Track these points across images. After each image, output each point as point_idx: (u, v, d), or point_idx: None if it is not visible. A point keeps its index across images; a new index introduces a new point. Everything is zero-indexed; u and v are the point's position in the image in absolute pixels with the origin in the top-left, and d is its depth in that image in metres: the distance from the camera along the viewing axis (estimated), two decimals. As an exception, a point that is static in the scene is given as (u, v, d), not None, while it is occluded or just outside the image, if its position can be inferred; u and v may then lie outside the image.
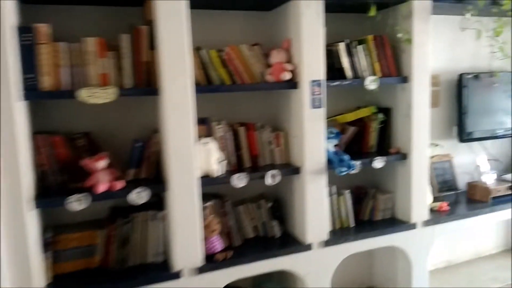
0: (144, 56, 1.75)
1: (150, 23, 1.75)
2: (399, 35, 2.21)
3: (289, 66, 2.03)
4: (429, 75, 2.28)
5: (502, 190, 2.69)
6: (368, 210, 2.41)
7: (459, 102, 2.75)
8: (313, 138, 2.05)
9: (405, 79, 2.26)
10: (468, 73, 2.72)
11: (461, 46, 2.80)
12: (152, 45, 1.75)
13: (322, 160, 2.09)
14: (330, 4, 2.03)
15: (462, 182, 2.84)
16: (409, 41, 2.19)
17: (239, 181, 1.92)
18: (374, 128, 2.36)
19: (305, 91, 2.01)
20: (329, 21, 2.10)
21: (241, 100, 2.23)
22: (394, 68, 2.26)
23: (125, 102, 1.94)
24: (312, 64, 2.01)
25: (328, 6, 2.03)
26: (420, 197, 2.34)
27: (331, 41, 2.16)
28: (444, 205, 2.53)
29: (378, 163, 2.24)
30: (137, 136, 1.92)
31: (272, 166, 2.11)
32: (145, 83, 1.77)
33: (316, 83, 2.02)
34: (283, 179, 2.05)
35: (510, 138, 2.99)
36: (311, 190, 2.08)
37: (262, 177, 1.99)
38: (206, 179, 1.88)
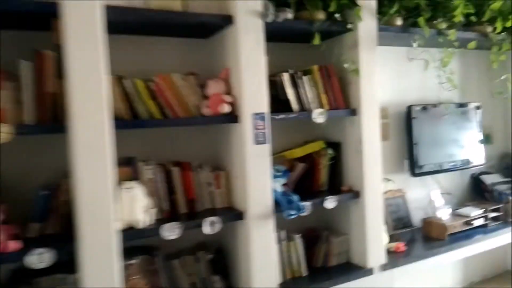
0: (49, 87, 1.46)
1: (58, 48, 1.48)
2: (346, 65, 2.08)
3: (228, 98, 1.81)
4: (378, 107, 2.15)
5: (458, 226, 2.58)
6: (321, 255, 2.17)
7: (409, 134, 2.65)
8: (257, 177, 1.82)
9: (353, 112, 2.11)
10: (417, 105, 2.65)
11: (409, 77, 2.75)
12: (60, 73, 1.46)
13: (268, 202, 1.85)
14: (272, 32, 1.86)
15: (416, 218, 2.71)
16: (356, 71, 2.06)
17: (171, 232, 1.63)
18: (324, 164, 2.17)
19: (247, 125, 1.79)
20: (272, 50, 1.94)
21: (175, 137, 1.97)
22: (342, 100, 2.11)
23: (27, 142, 1.61)
24: (254, 95, 1.80)
25: (270, 35, 1.86)
26: (376, 239, 2.16)
27: (275, 71, 1.99)
28: (401, 246, 2.36)
29: (330, 203, 2.03)
30: (43, 183, 1.58)
31: (212, 211, 1.84)
32: (51, 119, 1.47)
33: (259, 116, 1.81)
34: (224, 225, 1.78)
35: (461, 171, 2.93)
36: (257, 237, 1.82)
37: (200, 225, 1.71)
38: (130, 232, 1.56)
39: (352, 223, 2.20)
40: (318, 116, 1.97)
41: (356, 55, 2.07)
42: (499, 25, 2.51)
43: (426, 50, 2.41)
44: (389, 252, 2.29)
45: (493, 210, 2.72)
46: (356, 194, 2.13)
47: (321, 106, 2.02)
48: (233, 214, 1.82)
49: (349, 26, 2.05)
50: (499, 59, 2.52)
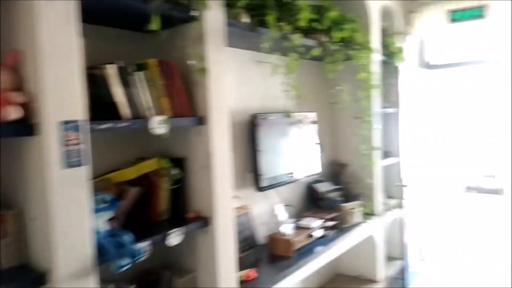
0: None
1: None
2: (191, 62, 1.67)
3: (17, 97, 1.16)
4: (228, 115, 1.81)
5: (302, 240, 2.47)
6: (162, 303, 1.69)
7: (252, 146, 2.42)
8: (69, 217, 1.22)
9: (201, 120, 1.71)
10: (261, 113, 2.43)
11: (253, 83, 2.52)
12: None
13: (88, 251, 1.27)
14: (93, 10, 1.30)
15: (261, 235, 2.50)
16: (203, 71, 1.67)
17: None
18: (165, 187, 1.70)
19: (50, 139, 1.17)
20: (94, 34, 1.37)
21: None
22: (188, 105, 1.69)
23: None
24: (62, 94, 1.20)
25: (90, 14, 1.29)
26: (228, 272, 1.80)
27: (97, 62, 1.42)
28: (252, 273, 2.07)
29: (175, 238, 1.57)
30: None
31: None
32: None
33: (70, 125, 1.22)
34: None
35: (302, 181, 2.88)
36: (70, 307, 1.22)
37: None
38: None
39: (200, 257, 1.79)
40: (158, 125, 1.49)
41: (203, 51, 1.68)
42: (335, 35, 2.51)
43: (271, 55, 2.20)
44: (242, 283, 1.97)
45: (330, 219, 2.74)
46: (205, 222, 1.73)
47: (161, 112, 1.55)
48: (29, 279, 1.17)
49: (194, 13, 1.65)
50: (335, 69, 2.53)
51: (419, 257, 3.92)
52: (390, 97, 3.40)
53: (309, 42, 2.38)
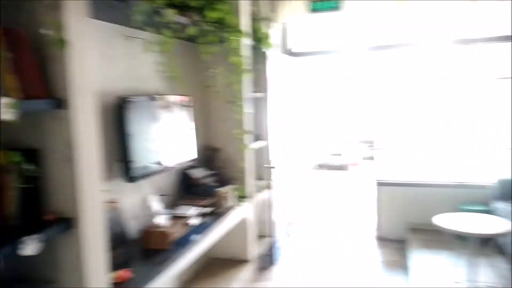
0: None
1: None
2: (45, 31, 1.36)
3: None
4: (93, 97, 1.56)
5: (179, 229, 2.35)
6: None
7: (120, 132, 2.17)
8: None
9: (60, 104, 1.42)
10: (130, 96, 2.19)
11: (121, 62, 2.24)
12: None
13: None
14: None
15: (133, 230, 2.29)
16: (62, 43, 1.38)
17: None
18: (14, 186, 1.37)
19: None
20: None
21: None
22: (43, 85, 1.38)
23: None
24: None
25: None
26: (98, 277, 1.58)
27: None
28: (126, 273, 1.88)
29: (29, 248, 1.29)
30: None
31: None
32: None
33: None
34: None
35: (176, 169, 2.73)
36: None
37: None
38: None
39: (64, 264, 1.52)
40: (5, 110, 1.17)
41: (61, 19, 1.38)
42: (208, 14, 2.41)
43: (143, 31, 1.98)
44: (114, 286, 1.76)
45: (206, 206, 2.68)
46: (68, 224, 1.47)
47: (8, 93, 1.22)
48: None
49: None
50: (209, 51, 2.43)
51: (285, 233, 4.19)
52: (259, 82, 3.48)
53: (183, 19, 2.22)
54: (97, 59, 2.02)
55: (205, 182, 2.89)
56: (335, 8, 3.72)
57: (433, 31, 3.90)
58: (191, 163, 2.84)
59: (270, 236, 3.77)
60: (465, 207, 3.60)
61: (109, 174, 2.17)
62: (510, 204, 3.37)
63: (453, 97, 3.96)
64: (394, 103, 4.26)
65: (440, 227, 2.83)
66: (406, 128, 4.31)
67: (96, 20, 1.92)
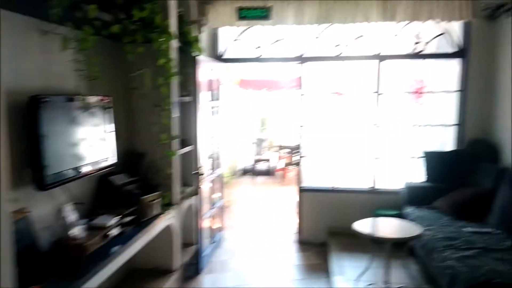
0: None
1: None
2: None
3: None
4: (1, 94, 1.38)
5: (97, 241, 2.18)
6: None
7: (32, 135, 1.96)
8: None
9: (-43, 101, 1.24)
10: (44, 95, 1.99)
11: (35, 58, 2.03)
12: None
13: None
14: None
15: (45, 241, 2.09)
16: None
17: None
18: None
19: None
20: None
21: None
22: None
23: None
24: None
25: None
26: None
27: None
28: (35, 291, 1.69)
29: None
30: None
31: None
32: None
33: None
34: None
35: (95, 175, 2.53)
36: None
37: None
38: None
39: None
40: None
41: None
42: (135, 13, 2.30)
43: (60, 27, 1.82)
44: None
45: (128, 214, 2.53)
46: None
47: None
48: None
49: None
50: (134, 51, 2.31)
51: (211, 240, 4.13)
52: (187, 86, 3.40)
53: (106, 16, 2.08)
54: (7, 54, 1.80)
55: (128, 189, 2.73)
56: (264, 17, 3.78)
57: (357, 45, 4.14)
58: (111, 169, 2.66)
59: (196, 243, 3.68)
60: (380, 212, 3.85)
61: (19, 181, 1.95)
62: (417, 208, 3.69)
63: (371, 108, 4.23)
64: (316, 111, 4.44)
65: (358, 232, 2.99)
66: (327, 137, 4.52)
67: (7, 11, 1.72)
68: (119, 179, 2.77)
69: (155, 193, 2.79)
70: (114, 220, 2.39)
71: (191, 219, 3.62)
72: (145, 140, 3.05)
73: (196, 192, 3.56)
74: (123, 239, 2.36)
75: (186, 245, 3.58)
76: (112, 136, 2.63)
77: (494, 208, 3.28)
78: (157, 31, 2.58)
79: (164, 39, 2.65)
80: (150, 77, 2.52)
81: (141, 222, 2.59)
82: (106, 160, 2.56)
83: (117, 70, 2.85)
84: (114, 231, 2.36)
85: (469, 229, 3.14)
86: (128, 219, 2.52)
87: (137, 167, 2.99)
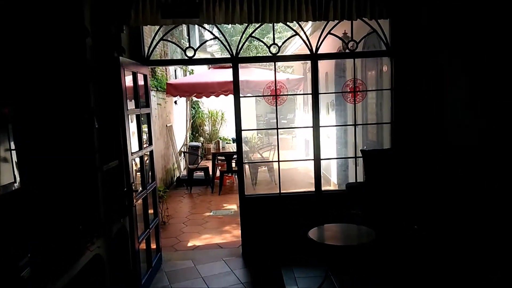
0: None
1: None
2: None
3: None
4: None
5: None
6: None
7: None
8: None
9: None
10: None
11: None
12: None
13: None
14: None
15: None
16: None
17: None
18: None
19: None
20: None
21: None
22: None
23: None
24: None
25: None
26: None
27: None
28: None
29: None
30: None
31: None
32: None
33: None
34: None
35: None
36: None
37: None
38: None
39: None
40: None
41: None
42: None
43: None
44: None
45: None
46: None
47: None
48: None
49: None
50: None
51: (148, 265, 3.68)
52: (108, 90, 2.95)
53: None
54: None
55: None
56: (190, 14, 3.41)
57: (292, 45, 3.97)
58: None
59: (133, 270, 3.22)
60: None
61: None
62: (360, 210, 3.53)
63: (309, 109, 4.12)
64: (253, 114, 4.22)
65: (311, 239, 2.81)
66: (268, 140, 4.31)
67: None
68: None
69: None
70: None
71: (124, 243, 3.16)
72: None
73: (127, 212, 3.11)
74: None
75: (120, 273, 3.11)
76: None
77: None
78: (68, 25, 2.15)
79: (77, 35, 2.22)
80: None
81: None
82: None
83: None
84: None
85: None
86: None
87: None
